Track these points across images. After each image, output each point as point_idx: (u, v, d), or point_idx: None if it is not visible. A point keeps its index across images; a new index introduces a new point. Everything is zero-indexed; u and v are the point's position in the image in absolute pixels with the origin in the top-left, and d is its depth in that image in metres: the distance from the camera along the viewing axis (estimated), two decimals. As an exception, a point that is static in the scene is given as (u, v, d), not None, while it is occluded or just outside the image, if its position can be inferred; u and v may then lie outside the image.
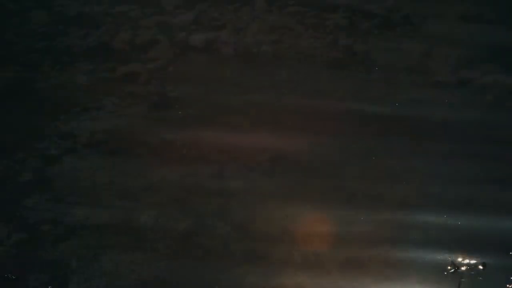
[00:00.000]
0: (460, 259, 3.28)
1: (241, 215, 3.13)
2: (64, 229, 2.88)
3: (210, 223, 3.03)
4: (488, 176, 3.93)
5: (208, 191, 3.40)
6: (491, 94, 5.05)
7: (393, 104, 5.34)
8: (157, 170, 3.60)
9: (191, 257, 2.72)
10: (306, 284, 2.63)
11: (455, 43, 5.62)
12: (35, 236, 2.85)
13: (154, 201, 3.20)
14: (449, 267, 3.23)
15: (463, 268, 3.22)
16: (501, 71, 5.38)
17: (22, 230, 2.90)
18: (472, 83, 5.12)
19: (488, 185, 3.85)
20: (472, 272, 3.25)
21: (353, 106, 5.37)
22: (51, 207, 3.06)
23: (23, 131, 4.23)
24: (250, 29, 8.61)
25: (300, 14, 9.66)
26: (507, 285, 3.17)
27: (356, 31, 6.55)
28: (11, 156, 3.68)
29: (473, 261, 3.30)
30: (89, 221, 2.96)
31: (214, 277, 2.59)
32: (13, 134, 4.13)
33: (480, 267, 3.26)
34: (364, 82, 6.35)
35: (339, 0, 7.13)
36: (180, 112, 4.85)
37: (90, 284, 2.48)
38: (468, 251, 3.35)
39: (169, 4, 9.25)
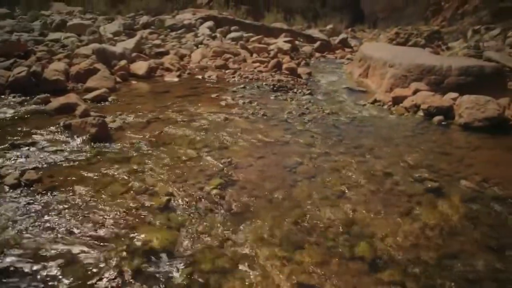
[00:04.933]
0: None
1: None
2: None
3: (159, 257, 2.77)
4: None
5: (154, 224, 3.13)
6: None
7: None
8: (99, 207, 3.27)
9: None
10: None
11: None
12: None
13: (98, 240, 2.87)
14: None
15: None
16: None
17: None
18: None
19: None
20: None
21: (299, 127, 5.41)
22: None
23: None
24: (193, 55, 8.56)
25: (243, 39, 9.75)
26: None
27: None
28: None
29: None
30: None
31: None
32: None
33: None
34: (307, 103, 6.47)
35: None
36: (122, 144, 4.55)
37: None
38: None
39: (108, 31, 8.97)
